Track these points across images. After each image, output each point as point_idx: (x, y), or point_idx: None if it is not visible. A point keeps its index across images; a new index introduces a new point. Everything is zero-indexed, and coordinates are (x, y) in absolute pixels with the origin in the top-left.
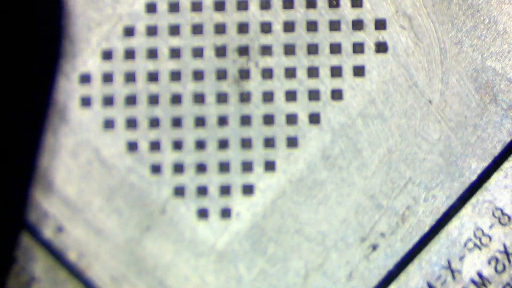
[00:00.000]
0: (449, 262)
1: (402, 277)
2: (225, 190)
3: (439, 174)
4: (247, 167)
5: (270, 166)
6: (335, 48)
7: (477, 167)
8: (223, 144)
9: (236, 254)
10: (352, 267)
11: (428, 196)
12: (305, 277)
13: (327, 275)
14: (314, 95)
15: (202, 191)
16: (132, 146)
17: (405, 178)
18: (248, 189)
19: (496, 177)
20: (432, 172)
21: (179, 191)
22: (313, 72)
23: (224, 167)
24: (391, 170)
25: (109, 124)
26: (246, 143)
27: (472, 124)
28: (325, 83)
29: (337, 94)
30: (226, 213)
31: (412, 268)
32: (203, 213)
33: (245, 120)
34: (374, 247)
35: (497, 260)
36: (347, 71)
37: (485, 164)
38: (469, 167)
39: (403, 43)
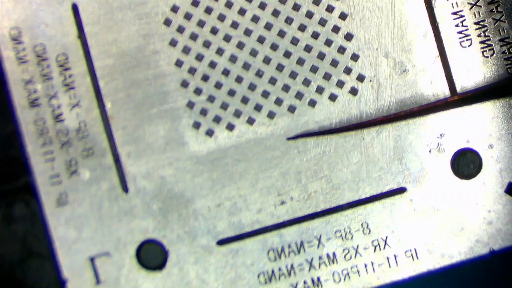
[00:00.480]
0: (320, 237)
1: (286, 231)
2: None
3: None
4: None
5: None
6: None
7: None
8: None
9: (210, 159)
10: (263, 207)
11: (334, 191)
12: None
13: (246, 202)
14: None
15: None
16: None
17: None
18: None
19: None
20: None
21: (190, 105)
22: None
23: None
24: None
25: None
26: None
27: None
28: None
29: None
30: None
31: (295, 229)
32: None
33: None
34: (282, 202)
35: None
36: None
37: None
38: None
39: (367, 95)
